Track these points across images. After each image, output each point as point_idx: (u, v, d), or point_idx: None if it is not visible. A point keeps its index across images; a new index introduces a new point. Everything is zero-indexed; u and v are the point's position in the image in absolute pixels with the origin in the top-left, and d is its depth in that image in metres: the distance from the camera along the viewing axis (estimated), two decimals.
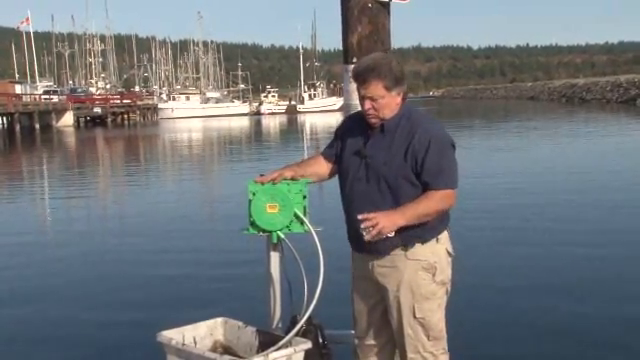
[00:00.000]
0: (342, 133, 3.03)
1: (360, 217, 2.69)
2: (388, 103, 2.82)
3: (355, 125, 2.99)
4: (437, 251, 2.88)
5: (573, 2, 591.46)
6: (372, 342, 3.05)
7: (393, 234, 2.74)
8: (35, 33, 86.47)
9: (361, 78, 2.81)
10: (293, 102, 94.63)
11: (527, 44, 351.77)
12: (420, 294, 2.86)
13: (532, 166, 15.16)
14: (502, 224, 8.73)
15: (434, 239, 2.87)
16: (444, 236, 2.92)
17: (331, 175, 3.07)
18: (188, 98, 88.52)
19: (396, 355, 3.06)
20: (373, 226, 2.66)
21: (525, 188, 11.80)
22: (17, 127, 50.60)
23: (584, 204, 10.03)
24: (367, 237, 2.69)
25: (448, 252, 2.93)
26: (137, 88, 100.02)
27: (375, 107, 2.81)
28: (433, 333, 2.89)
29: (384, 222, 2.67)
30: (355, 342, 3.10)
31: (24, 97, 61.49)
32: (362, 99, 2.84)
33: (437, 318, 2.90)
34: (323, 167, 3.06)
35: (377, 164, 2.83)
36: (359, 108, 2.95)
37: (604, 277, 6.13)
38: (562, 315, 5.12)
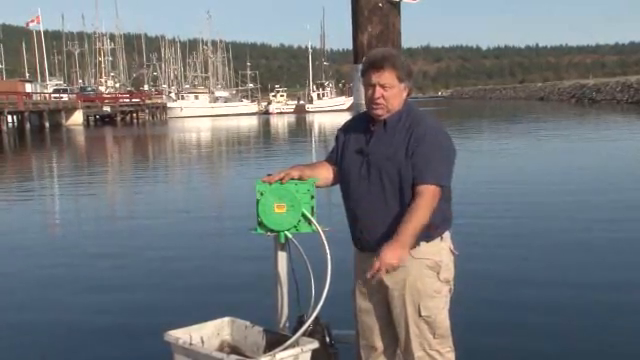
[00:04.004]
0: (344, 135, 3.03)
1: (369, 275, 2.70)
2: (397, 94, 2.85)
3: (357, 125, 3.01)
4: (441, 249, 2.89)
5: (583, 2, 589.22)
6: (375, 342, 3.04)
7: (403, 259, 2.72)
8: (45, 32, 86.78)
9: (378, 65, 2.84)
10: (302, 102, 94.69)
11: (536, 44, 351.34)
12: (425, 292, 2.87)
13: None
14: None
15: (438, 237, 2.88)
16: (447, 235, 2.93)
17: (336, 180, 3.07)
18: (197, 97, 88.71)
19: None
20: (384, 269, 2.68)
21: None
22: (27, 125, 50.92)
23: None
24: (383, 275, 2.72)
25: (451, 250, 2.94)
26: (146, 87, 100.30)
27: (385, 96, 2.84)
28: (439, 331, 2.90)
29: (393, 261, 2.67)
30: (358, 343, 3.09)
31: (34, 96, 61.82)
32: (373, 87, 2.85)
33: (442, 316, 2.91)
34: (329, 171, 3.07)
35: (379, 160, 2.84)
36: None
37: None
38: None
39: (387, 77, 2.83)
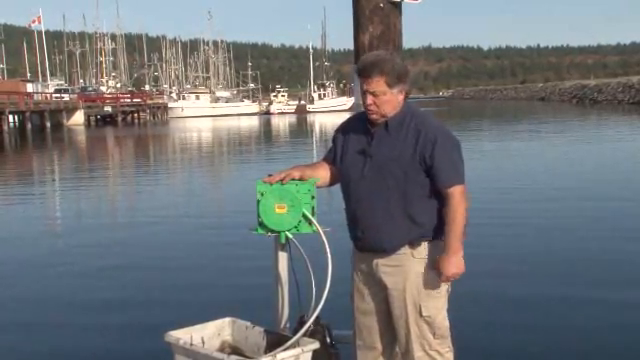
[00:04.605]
0: (343, 135, 3.04)
1: (445, 281, 2.87)
2: (389, 100, 2.85)
3: (356, 126, 3.01)
4: (441, 250, 2.90)
5: (584, 2, 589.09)
6: (374, 343, 3.05)
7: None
8: (46, 32, 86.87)
9: (365, 73, 2.85)
10: (303, 102, 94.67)
11: (538, 44, 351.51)
12: (426, 293, 2.88)
13: None
14: None
15: (439, 238, 2.90)
16: None
17: (334, 180, 3.08)
18: (198, 97, 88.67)
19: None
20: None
21: None
22: (28, 125, 50.95)
23: None
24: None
25: None
26: (147, 87, 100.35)
27: (376, 103, 2.85)
28: (439, 331, 2.91)
29: (456, 271, 2.84)
30: (356, 343, 3.09)
31: (35, 96, 61.80)
32: (364, 94, 2.87)
33: (442, 316, 2.93)
34: (328, 171, 3.07)
35: (383, 162, 2.84)
36: None
37: None
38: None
39: (376, 84, 2.83)
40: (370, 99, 2.85)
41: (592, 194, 11.23)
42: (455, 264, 2.82)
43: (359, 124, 2.99)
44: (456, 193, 2.82)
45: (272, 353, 2.71)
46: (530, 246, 7.54)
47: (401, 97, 2.89)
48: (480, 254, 6.56)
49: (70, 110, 61.19)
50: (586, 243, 7.56)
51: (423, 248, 2.87)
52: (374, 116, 2.88)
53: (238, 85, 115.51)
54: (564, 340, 4.62)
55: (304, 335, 2.82)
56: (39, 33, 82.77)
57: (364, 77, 2.85)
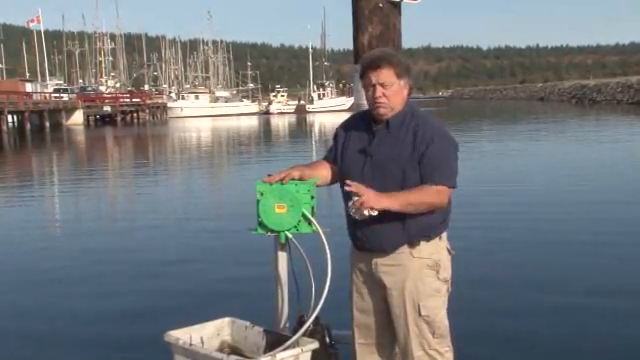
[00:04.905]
0: (344, 133, 3.03)
1: (348, 189, 2.69)
2: (397, 92, 2.85)
3: (358, 124, 3.00)
4: (440, 249, 2.91)
5: (583, 2, 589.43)
6: (372, 342, 3.05)
7: (375, 213, 2.71)
8: (46, 32, 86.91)
9: (374, 64, 2.84)
10: (302, 102, 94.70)
11: (537, 44, 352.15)
12: (425, 292, 2.88)
13: None
14: None
15: (437, 237, 2.90)
16: (445, 235, 2.95)
17: (334, 179, 3.07)
18: (197, 97, 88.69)
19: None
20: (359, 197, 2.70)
21: None
22: (27, 125, 50.96)
23: None
24: (351, 208, 2.73)
25: (448, 250, 2.97)
26: (147, 87, 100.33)
27: (386, 94, 2.83)
28: (438, 331, 2.91)
29: (370, 197, 2.69)
30: (355, 342, 3.09)
31: (34, 95, 61.82)
32: (373, 87, 2.85)
33: (442, 315, 2.93)
34: (328, 170, 3.06)
35: (384, 161, 2.84)
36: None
37: None
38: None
39: (385, 75, 2.83)
40: (379, 91, 2.83)
41: (592, 196, 11.16)
42: (375, 201, 2.68)
43: (361, 123, 2.99)
44: (435, 187, 2.77)
45: (271, 353, 2.71)
46: (529, 249, 7.49)
47: (406, 92, 2.89)
48: (479, 256, 6.57)
49: (69, 110, 61.21)
50: (585, 246, 7.51)
51: (422, 247, 2.87)
52: (382, 110, 2.86)
53: (238, 85, 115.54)
54: (566, 344, 4.61)
55: (303, 335, 2.82)
56: (38, 33, 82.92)
57: (373, 69, 2.84)
